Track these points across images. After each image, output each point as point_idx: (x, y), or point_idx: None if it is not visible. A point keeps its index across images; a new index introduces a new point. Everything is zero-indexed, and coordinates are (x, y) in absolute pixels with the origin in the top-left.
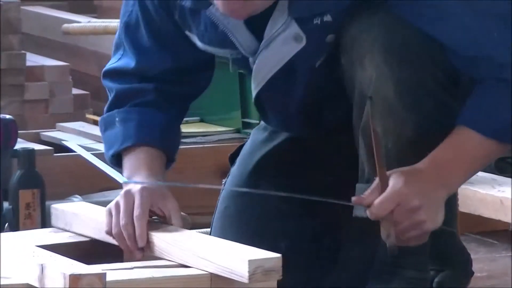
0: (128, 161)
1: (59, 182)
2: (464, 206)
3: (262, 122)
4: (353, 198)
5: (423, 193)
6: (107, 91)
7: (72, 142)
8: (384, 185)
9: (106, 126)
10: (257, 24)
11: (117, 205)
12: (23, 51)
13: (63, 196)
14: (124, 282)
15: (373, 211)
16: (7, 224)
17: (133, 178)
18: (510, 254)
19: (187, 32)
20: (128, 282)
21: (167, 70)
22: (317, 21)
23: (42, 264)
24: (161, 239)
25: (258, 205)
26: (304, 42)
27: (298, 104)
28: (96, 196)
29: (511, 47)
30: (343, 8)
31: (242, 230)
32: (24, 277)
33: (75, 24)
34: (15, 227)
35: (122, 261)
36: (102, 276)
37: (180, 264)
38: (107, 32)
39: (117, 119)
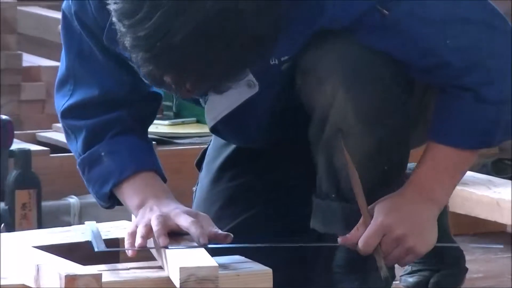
0: (131, 190)
1: (55, 182)
2: (461, 207)
3: None
4: (339, 239)
5: (406, 219)
6: (70, 132)
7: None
8: (367, 220)
9: (90, 165)
10: None
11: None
12: (19, 51)
13: (59, 196)
14: (120, 283)
15: (360, 248)
16: (3, 224)
17: (147, 203)
18: (507, 255)
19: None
20: (124, 283)
21: (132, 89)
22: (274, 61)
23: (38, 265)
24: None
25: (228, 214)
26: (256, 88)
27: (255, 129)
28: (92, 196)
29: (466, 52)
30: (299, 46)
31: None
32: (20, 278)
33: None
34: (11, 227)
35: (118, 262)
36: (98, 276)
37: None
38: None
39: (102, 153)
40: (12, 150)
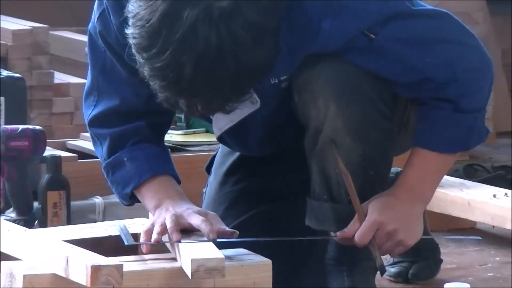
0: (149, 192)
1: (82, 184)
2: (436, 206)
3: None
4: (338, 233)
5: (396, 216)
6: (96, 139)
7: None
8: (361, 217)
9: (114, 169)
10: None
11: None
12: (51, 70)
13: (86, 196)
14: (138, 272)
15: (356, 241)
16: (36, 221)
17: (163, 204)
18: (477, 248)
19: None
20: (142, 272)
21: (148, 100)
22: (274, 81)
23: (67, 256)
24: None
25: (236, 214)
26: (258, 104)
27: (254, 140)
28: (114, 197)
29: (445, 68)
30: (297, 65)
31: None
32: (51, 268)
33: None
34: (43, 224)
35: (137, 255)
36: (120, 267)
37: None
38: None
39: (125, 159)
40: (44, 156)
